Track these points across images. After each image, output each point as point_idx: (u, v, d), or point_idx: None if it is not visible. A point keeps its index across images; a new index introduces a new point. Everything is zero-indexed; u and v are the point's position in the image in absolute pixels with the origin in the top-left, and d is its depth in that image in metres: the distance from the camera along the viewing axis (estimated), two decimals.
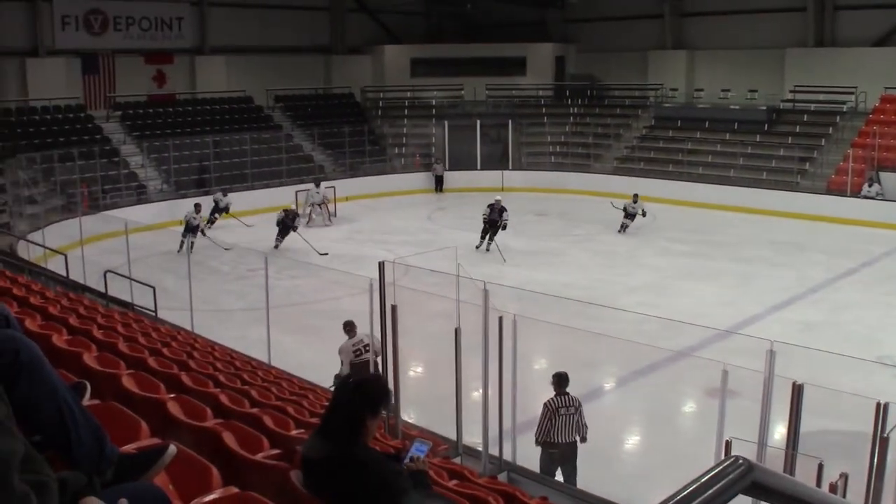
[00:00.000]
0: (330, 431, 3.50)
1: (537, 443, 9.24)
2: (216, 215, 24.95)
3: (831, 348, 13.72)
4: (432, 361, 12.46)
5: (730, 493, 1.46)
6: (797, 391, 6.64)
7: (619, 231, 24.33)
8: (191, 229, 22.10)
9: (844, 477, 6.17)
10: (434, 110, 36.15)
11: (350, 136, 32.93)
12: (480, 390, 8.99)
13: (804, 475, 6.65)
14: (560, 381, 9.28)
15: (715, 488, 1.46)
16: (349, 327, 11.48)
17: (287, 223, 22.92)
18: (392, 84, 37.16)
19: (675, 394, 12.68)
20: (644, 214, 24.40)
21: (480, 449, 8.90)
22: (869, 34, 31.60)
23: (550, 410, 9.14)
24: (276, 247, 22.36)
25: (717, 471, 1.51)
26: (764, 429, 7.12)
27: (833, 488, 6.12)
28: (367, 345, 11.12)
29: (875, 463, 6.45)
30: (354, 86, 36.84)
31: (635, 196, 24.78)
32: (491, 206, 22.36)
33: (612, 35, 37.08)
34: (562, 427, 9.10)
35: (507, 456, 9.16)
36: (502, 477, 8.56)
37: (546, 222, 26.84)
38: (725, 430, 7.36)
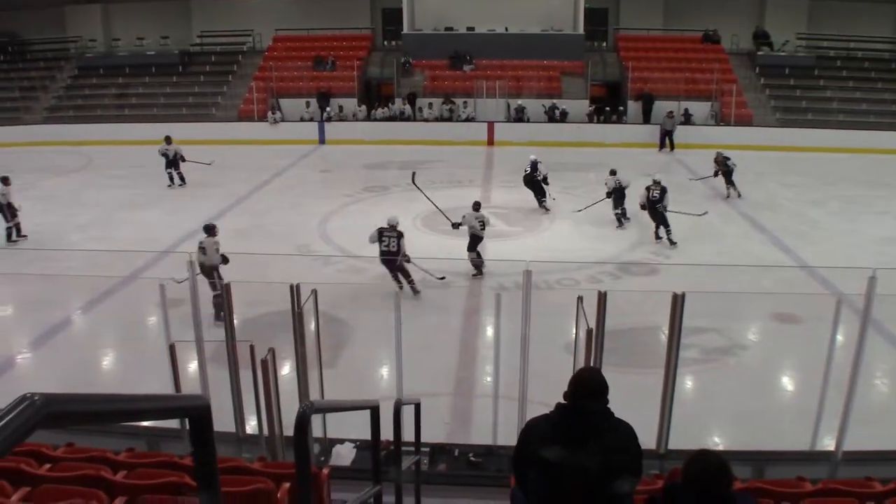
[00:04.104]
0: None
1: None
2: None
3: (260, 248, 14.15)
4: None
5: (22, 430, 1.14)
6: (230, 290, 6.60)
7: (619, 226, 16.21)
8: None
9: (272, 351, 6.31)
10: None
11: None
12: None
13: (243, 355, 6.74)
14: None
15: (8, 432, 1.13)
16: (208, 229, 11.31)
17: None
18: None
19: (131, 312, 11.93)
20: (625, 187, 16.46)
21: None
22: None
23: None
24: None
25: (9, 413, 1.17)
26: (199, 330, 6.99)
27: (265, 362, 6.22)
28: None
29: (298, 333, 6.72)
30: None
31: (612, 172, 16.64)
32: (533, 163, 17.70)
33: None
34: None
35: None
36: None
37: None
38: (173, 335, 7.06)
